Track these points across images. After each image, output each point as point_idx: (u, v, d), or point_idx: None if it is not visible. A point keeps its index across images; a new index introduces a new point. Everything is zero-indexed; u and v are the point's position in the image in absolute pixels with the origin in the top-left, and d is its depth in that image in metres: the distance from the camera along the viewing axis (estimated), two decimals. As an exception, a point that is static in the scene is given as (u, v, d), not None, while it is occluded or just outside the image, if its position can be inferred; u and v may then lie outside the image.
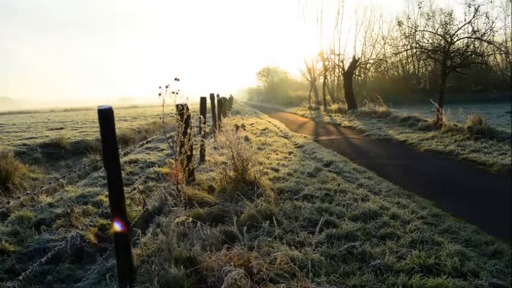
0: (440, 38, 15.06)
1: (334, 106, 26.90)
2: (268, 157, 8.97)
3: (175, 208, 4.45)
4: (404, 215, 4.77)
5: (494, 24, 14.68)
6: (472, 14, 14.28)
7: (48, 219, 5.06)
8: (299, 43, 58.79)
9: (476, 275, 3.29)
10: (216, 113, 12.29)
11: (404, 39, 19.00)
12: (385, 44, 33.15)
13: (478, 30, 15.87)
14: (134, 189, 6.23)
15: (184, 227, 4.07)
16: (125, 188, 3.42)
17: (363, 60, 30.07)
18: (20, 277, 2.98)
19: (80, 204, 5.69)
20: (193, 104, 7.33)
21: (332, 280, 3.29)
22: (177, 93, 4.94)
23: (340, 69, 27.25)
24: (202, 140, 7.31)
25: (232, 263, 3.18)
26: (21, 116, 40.71)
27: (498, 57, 32.92)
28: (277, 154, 9.55)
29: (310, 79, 38.58)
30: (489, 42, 15.72)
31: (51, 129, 18.89)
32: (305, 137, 13.71)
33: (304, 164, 8.23)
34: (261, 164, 7.63)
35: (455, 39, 14.24)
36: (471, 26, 15.19)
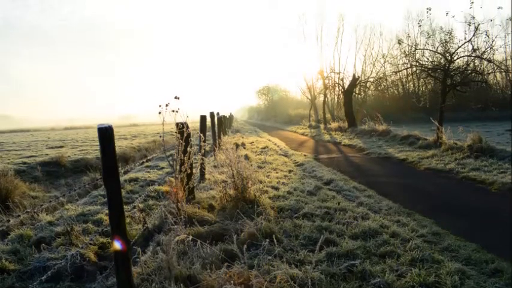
0: (441, 56, 15.18)
1: (334, 124, 27.01)
2: (268, 175, 8.98)
3: (175, 226, 4.45)
4: (404, 233, 4.77)
5: (494, 42, 14.71)
6: (472, 33, 14.43)
7: (48, 237, 5.06)
8: (299, 61, 58.90)
9: (477, 294, 3.28)
10: (216, 131, 12.33)
11: (404, 58, 19.11)
12: (385, 62, 33.42)
13: (478, 49, 15.96)
14: (134, 207, 6.22)
15: (184, 245, 4.06)
16: (125, 207, 3.43)
17: (363, 79, 30.30)
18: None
19: (80, 223, 5.68)
20: (193, 122, 7.37)
21: (332, 299, 3.28)
22: (177, 111, 4.98)
23: (340, 88, 27.38)
24: (202, 159, 7.33)
25: (232, 282, 3.17)
26: (21, 135, 40.80)
27: (498, 75, 33.25)
28: (277, 172, 9.56)
29: (310, 97, 38.85)
30: (489, 61, 15.82)
31: (51, 148, 18.89)
32: (305, 155, 13.73)
33: (304, 182, 8.24)
34: (261, 182, 7.65)
35: (455, 58, 14.37)
36: (471, 44, 15.31)
